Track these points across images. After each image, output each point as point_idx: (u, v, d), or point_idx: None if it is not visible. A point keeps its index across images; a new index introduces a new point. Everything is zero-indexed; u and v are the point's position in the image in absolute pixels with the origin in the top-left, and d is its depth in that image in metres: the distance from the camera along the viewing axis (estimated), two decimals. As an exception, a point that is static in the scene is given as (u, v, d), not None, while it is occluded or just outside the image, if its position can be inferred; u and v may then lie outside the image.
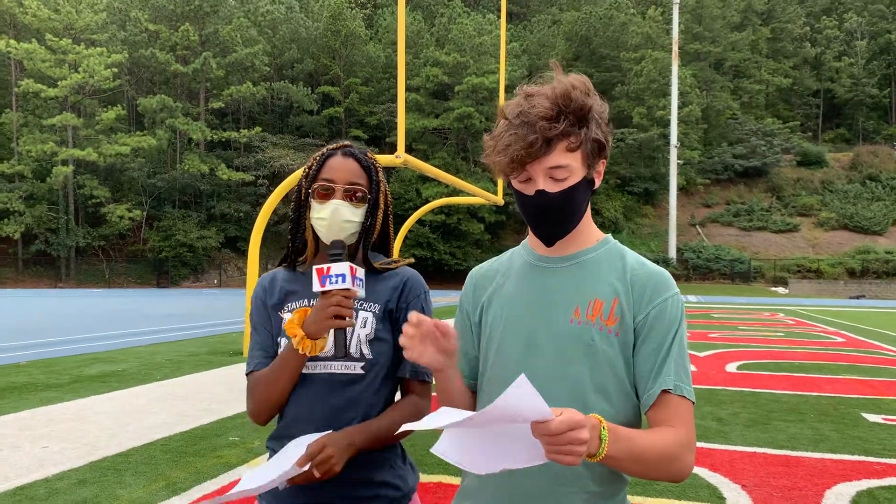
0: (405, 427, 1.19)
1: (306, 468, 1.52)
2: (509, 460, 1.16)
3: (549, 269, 1.48)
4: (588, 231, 1.50)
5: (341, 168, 1.72)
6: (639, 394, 1.41)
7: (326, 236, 1.71)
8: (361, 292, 1.51)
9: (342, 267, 1.49)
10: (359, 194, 1.72)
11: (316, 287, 1.49)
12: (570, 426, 1.08)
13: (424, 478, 5.04)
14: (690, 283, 45.94)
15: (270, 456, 1.79)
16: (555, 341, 1.41)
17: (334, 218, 1.68)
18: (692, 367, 10.61)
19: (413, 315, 1.38)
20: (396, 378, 1.77)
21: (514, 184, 1.43)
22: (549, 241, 1.45)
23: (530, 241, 1.55)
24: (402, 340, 1.38)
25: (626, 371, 1.41)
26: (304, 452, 1.53)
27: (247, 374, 1.80)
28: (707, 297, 36.89)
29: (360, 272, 1.51)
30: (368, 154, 1.80)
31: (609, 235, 1.53)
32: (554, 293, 1.45)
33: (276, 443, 1.78)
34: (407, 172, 43.85)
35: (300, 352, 1.61)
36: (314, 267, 1.50)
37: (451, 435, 1.20)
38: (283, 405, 1.74)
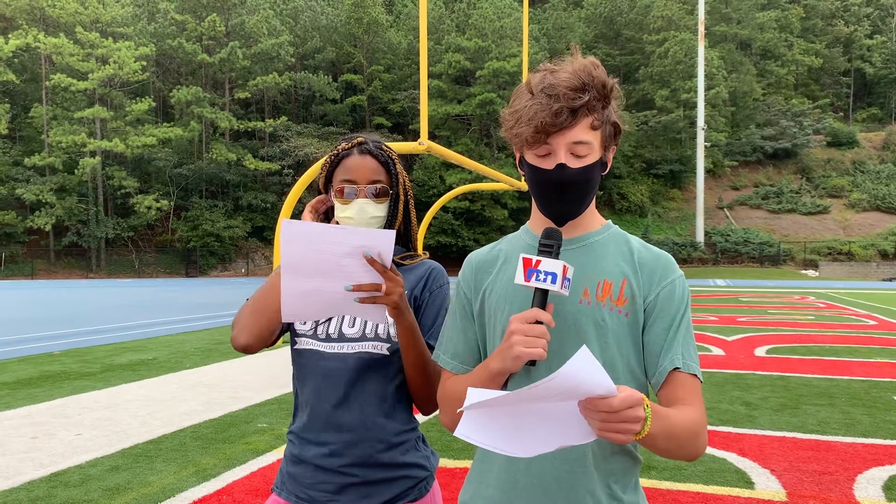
0: (466, 406, 1.18)
1: (377, 282, 1.52)
2: (551, 441, 1.14)
3: None
4: (592, 216, 1.50)
5: (361, 167, 1.76)
6: (648, 373, 1.43)
7: None
8: (566, 293, 1.33)
9: (555, 265, 1.28)
10: (380, 191, 1.77)
11: (519, 279, 1.31)
12: (629, 403, 1.09)
13: (449, 463, 5.07)
14: (718, 266, 45.45)
15: (288, 449, 1.82)
16: (565, 322, 1.40)
17: (361, 217, 1.74)
18: (721, 351, 10.56)
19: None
20: None
21: (531, 158, 1.41)
22: (561, 219, 1.44)
23: (532, 225, 1.54)
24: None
25: (635, 351, 1.42)
26: (383, 259, 1.51)
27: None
28: (735, 280, 36.50)
29: (571, 272, 1.32)
30: (384, 147, 1.83)
31: (610, 221, 1.54)
32: None
33: (298, 426, 1.80)
34: (430, 159, 43.81)
35: None
36: (522, 255, 1.33)
37: (474, 415, 1.18)
38: (273, 327, 1.73)
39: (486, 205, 45.70)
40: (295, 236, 1.47)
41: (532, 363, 1.28)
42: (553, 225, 1.45)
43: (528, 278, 1.30)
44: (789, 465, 5.06)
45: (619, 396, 1.07)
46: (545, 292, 1.30)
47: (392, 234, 1.48)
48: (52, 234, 45.93)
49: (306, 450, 1.76)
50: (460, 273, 1.60)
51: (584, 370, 1.03)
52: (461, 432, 1.18)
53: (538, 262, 1.30)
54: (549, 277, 1.29)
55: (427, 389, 1.72)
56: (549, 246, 1.33)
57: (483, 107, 47.19)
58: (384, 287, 1.52)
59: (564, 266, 1.29)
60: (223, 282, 39.17)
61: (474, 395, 1.16)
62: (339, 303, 1.55)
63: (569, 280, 1.31)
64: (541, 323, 1.29)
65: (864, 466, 5.05)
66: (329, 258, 1.48)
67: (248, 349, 1.74)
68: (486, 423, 1.17)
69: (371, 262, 1.49)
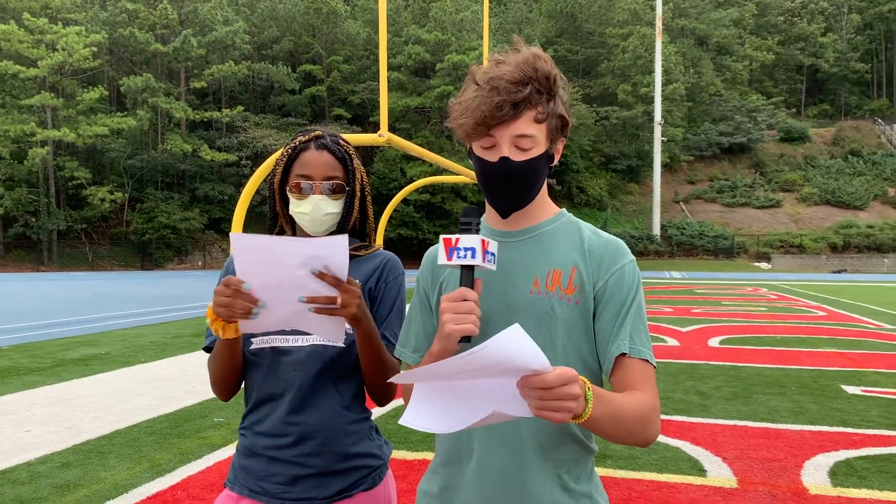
0: (395, 379, 1.21)
1: (332, 295, 1.50)
2: (485, 413, 1.13)
3: (507, 244, 1.47)
4: (544, 205, 1.51)
5: (317, 162, 1.74)
6: (601, 361, 1.43)
7: (310, 230, 1.77)
8: (493, 267, 1.35)
9: (472, 240, 1.31)
10: (336, 188, 1.75)
11: (442, 259, 1.34)
12: (564, 380, 1.07)
13: (408, 455, 5.07)
14: (674, 259, 46.18)
15: (240, 443, 1.81)
16: (515, 313, 1.41)
17: (315, 213, 1.73)
18: (675, 342, 10.75)
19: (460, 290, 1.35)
20: None
21: (477, 150, 1.42)
22: (505, 211, 1.45)
23: (487, 217, 1.55)
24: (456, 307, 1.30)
25: (587, 339, 1.42)
26: (335, 271, 1.49)
27: (203, 348, 1.83)
28: (690, 272, 37.14)
29: (493, 246, 1.35)
30: (341, 141, 1.81)
31: (564, 209, 1.54)
32: (512, 266, 1.45)
33: (251, 419, 1.79)
34: (391, 152, 43.63)
35: (219, 335, 1.58)
36: (441, 236, 1.36)
37: (419, 401, 1.20)
38: (233, 384, 1.79)
39: (447, 197, 45.69)
40: (245, 250, 1.44)
41: (467, 340, 1.28)
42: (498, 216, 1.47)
43: (449, 257, 1.32)
44: (740, 453, 5.18)
45: (553, 372, 1.06)
46: (471, 270, 1.32)
47: (344, 239, 1.45)
48: (0, 225, 44.62)
49: (259, 441, 1.74)
50: (420, 268, 1.62)
51: (515, 343, 1.03)
52: (406, 420, 1.19)
53: (457, 240, 1.32)
54: (469, 253, 1.31)
55: (382, 382, 1.72)
56: (468, 224, 1.35)
57: (442, 99, 47.05)
58: (339, 300, 1.50)
59: (483, 240, 1.31)
60: (179, 275, 38.53)
61: (409, 373, 1.18)
62: (297, 316, 1.53)
63: (492, 254, 1.33)
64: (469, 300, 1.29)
65: (811, 453, 5.19)
66: (282, 270, 1.46)
67: (227, 399, 1.82)
68: (430, 410, 1.18)
69: (321, 276, 1.47)
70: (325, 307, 1.50)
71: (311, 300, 1.49)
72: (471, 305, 1.28)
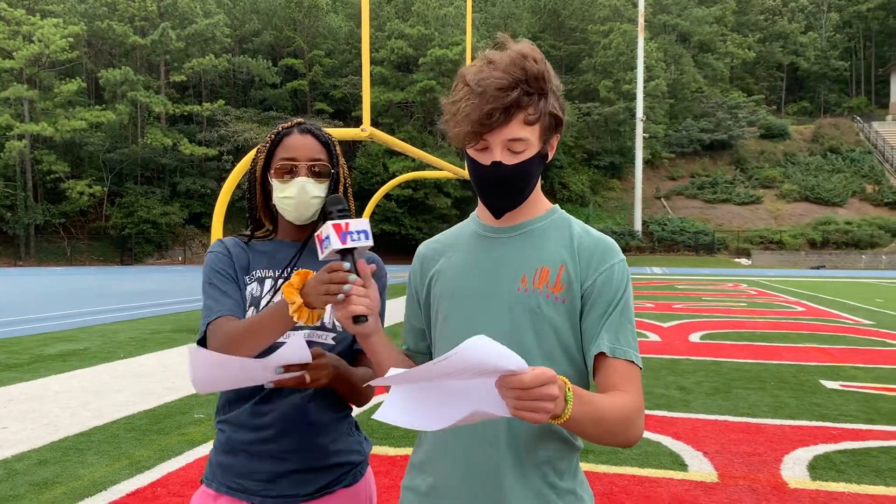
0: (370, 383, 1.21)
1: (298, 374, 1.49)
2: (464, 413, 1.12)
3: (497, 239, 1.47)
4: (536, 202, 1.50)
5: (301, 145, 1.73)
6: (586, 360, 1.42)
7: (294, 216, 1.73)
8: (368, 242, 1.39)
9: (326, 228, 1.33)
10: (322, 170, 1.73)
11: (336, 245, 1.35)
12: (541, 381, 1.06)
13: (391, 451, 5.05)
14: (655, 255, 46.45)
15: (217, 438, 1.78)
16: (501, 309, 1.40)
17: (301, 196, 1.70)
18: (656, 337, 10.80)
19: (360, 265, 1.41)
20: (355, 351, 1.80)
21: (470, 152, 1.41)
22: (498, 212, 1.45)
23: (479, 212, 1.54)
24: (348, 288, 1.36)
25: (574, 338, 1.41)
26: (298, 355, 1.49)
27: (210, 322, 1.64)
28: (671, 268, 37.39)
29: (358, 224, 1.39)
30: (322, 129, 1.82)
31: (556, 206, 1.54)
32: (501, 262, 1.44)
33: (229, 414, 1.75)
34: (373, 147, 43.47)
35: (295, 319, 1.49)
36: (331, 223, 1.33)
37: (396, 396, 1.18)
38: None
39: (430, 193, 45.61)
40: (204, 365, 1.41)
41: (364, 319, 1.35)
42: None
43: (343, 241, 1.38)
44: (721, 448, 5.22)
45: (530, 373, 1.05)
46: (350, 254, 1.40)
47: (301, 338, 1.45)
48: (-25, 220, 43.97)
49: (239, 436, 1.71)
50: (412, 264, 1.62)
51: (485, 348, 1.02)
52: (380, 415, 1.18)
53: (347, 224, 1.38)
54: (362, 235, 1.39)
55: (355, 394, 1.72)
56: (344, 209, 1.43)
57: (425, 94, 46.97)
58: (307, 378, 1.49)
59: (335, 224, 1.36)
60: (159, 270, 38.20)
61: (383, 378, 1.18)
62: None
63: (359, 231, 1.39)
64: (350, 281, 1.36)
65: (790, 447, 5.24)
66: (244, 379, 1.46)
67: None
68: (407, 406, 1.17)
69: (287, 369, 1.48)
70: (295, 383, 1.52)
71: (279, 385, 1.50)
72: (334, 283, 1.35)
